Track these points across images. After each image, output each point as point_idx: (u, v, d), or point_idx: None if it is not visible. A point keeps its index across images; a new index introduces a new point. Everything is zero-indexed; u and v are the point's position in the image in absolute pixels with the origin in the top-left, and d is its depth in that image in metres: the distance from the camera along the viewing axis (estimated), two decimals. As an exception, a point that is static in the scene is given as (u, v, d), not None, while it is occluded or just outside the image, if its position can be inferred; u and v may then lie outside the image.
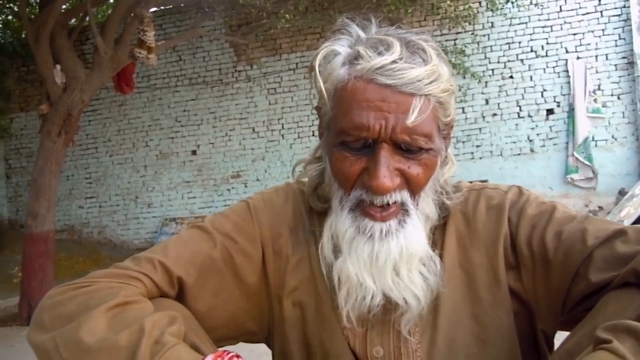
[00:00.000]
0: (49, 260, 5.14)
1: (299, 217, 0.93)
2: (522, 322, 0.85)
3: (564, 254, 0.78)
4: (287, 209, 0.94)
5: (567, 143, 7.76)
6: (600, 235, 0.77)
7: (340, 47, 0.82)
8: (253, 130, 8.95)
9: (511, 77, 8.01)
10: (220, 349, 0.72)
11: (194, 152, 9.19)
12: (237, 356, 0.70)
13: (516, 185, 0.91)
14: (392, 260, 0.79)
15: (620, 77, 7.66)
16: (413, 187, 0.79)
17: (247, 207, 0.94)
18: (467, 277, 0.86)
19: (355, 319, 0.83)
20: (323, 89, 0.81)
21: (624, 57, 7.62)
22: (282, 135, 8.83)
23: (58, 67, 5.13)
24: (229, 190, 9.01)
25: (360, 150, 0.78)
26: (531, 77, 7.94)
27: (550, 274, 0.80)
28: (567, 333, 0.75)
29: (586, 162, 7.62)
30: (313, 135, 8.68)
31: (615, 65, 7.68)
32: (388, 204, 0.78)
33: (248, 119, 8.96)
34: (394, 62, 0.74)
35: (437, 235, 0.88)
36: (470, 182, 0.95)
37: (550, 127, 7.90)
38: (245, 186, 8.93)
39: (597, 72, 7.72)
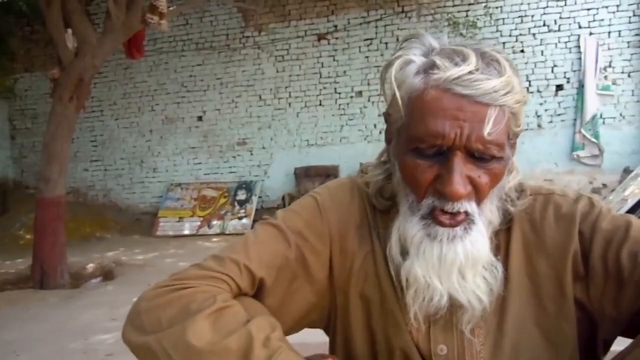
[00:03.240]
0: (60, 224, 5.19)
1: (364, 214, 0.96)
2: (584, 331, 0.87)
3: (639, 277, 0.80)
4: (353, 206, 0.97)
5: (574, 120, 7.76)
6: None
7: (414, 56, 0.83)
8: (260, 97, 8.91)
9: (522, 51, 7.94)
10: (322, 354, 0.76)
11: (199, 118, 9.16)
12: None
13: (585, 195, 0.92)
14: (458, 262, 0.82)
15: (632, 54, 7.60)
16: (480, 195, 0.82)
17: (316, 205, 0.96)
18: (533, 286, 0.88)
19: (422, 318, 0.86)
20: (398, 96, 0.82)
21: (637, 35, 7.55)
22: (289, 104, 8.79)
23: (69, 31, 5.07)
24: (234, 157, 9.02)
25: (432, 158, 0.80)
26: (542, 51, 7.87)
27: (622, 293, 0.82)
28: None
29: (593, 140, 7.63)
30: (320, 104, 8.66)
31: (628, 42, 7.61)
32: (458, 212, 0.81)
33: (255, 86, 8.91)
34: (470, 72, 0.76)
35: (501, 240, 0.90)
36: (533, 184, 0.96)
37: (559, 103, 7.88)
38: (251, 154, 8.94)
39: (609, 48, 7.65)
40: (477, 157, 0.79)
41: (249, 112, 8.96)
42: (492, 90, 0.76)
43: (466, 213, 0.81)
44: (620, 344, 0.82)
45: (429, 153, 0.80)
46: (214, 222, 8.30)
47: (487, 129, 0.76)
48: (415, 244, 0.84)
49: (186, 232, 8.25)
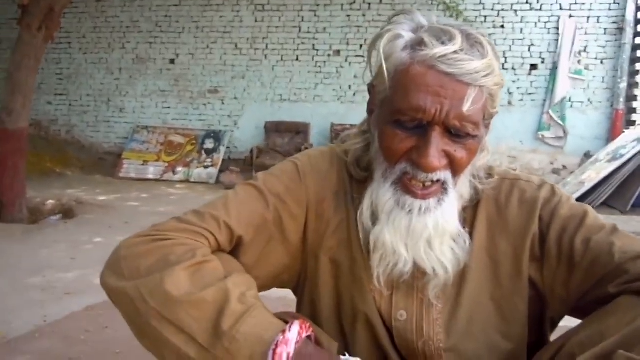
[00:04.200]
0: (21, 158, 5.04)
1: (342, 182, 1.00)
2: (535, 309, 0.94)
3: (589, 262, 0.86)
4: (331, 174, 1.00)
5: (544, 100, 7.91)
6: (627, 251, 0.84)
7: (403, 31, 0.85)
8: (236, 46, 8.72)
9: (502, 26, 7.97)
10: (296, 319, 0.79)
11: (172, 61, 8.93)
12: (310, 326, 0.79)
13: (549, 183, 0.98)
14: (427, 234, 0.86)
15: (607, 41, 7.73)
16: (456, 168, 0.86)
17: (296, 170, 1.00)
18: (492, 263, 0.94)
19: (384, 282, 0.91)
20: (384, 68, 0.85)
21: (614, 22, 7.66)
22: (265, 56, 8.64)
23: (42, -45, 4.80)
24: (205, 105, 8.88)
25: (412, 130, 0.83)
26: (522, 29, 7.92)
27: (572, 276, 0.89)
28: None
29: (559, 122, 7.82)
30: (297, 60, 8.54)
31: (605, 29, 7.72)
32: (431, 182, 0.85)
33: (232, 33, 8.70)
34: (455, 52, 0.80)
35: (468, 215, 0.95)
36: (500, 167, 1.01)
37: (532, 82, 8.00)
38: (222, 103, 8.82)
39: (586, 33, 7.76)
40: (454, 133, 0.82)
41: (224, 60, 8.77)
42: (474, 71, 0.80)
43: (441, 183, 0.86)
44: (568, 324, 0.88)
45: (409, 126, 0.83)
46: (179, 169, 8.22)
47: (466, 107, 0.80)
48: (386, 211, 0.88)
49: (150, 176, 8.16)
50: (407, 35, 0.85)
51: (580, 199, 6.33)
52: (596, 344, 0.75)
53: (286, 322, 0.78)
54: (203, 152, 8.40)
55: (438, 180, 0.85)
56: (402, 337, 0.94)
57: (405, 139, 0.84)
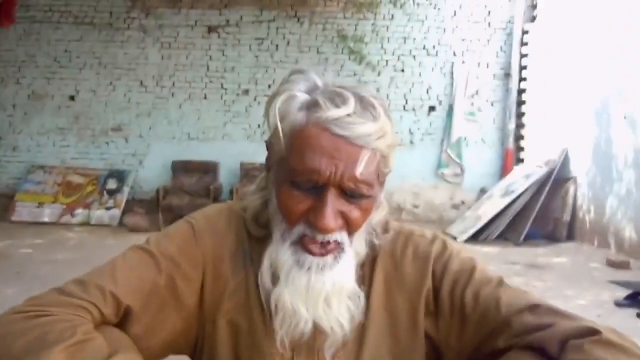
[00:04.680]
0: None
1: (240, 242, 0.99)
2: None
3: (479, 316, 0.91)
4: (229, 233, 0.99)
5: (442, 139, 8.38)
6: (512, 304, 0.89)
7: (299, 92, 0.88)
8: (141, 83, 8.50)
9: (402, 70, 8.41)
10: None
11: (72, 98, 8.52)
12: None
13: (440, 236, 1.03)
14: (325, 292, 0.88)
15: (496, 85, 8.38)
16: (351, 228, 0.89)
17: (191, 229, 0.98)
18: (390, 318, 0.97)
19: (288, 344, 0.91)
20: (280, 129, 0.87)
21: (502, 68, 8.34)
22: (172, 94, 8.49)
23: None
24: (107, 143, 8.51)
25: (308, 191, 0.85)
26: (420, 73, 8.40)
27: (465, 329, 0.93)
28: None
29: (456, 160, 8.30)
30: (205, 98, 8.47)
31: (494, 74, 8.38)
32: (328, 242, 0.87)
33: (137, 70, 8.48)
34: (348, 115, 0.83)
35: (366, 272, 0.98)
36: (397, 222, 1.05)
37: (430, 122, 8.46)
38: (126, 141, 8.51)
39: (477, 77, 8.37)
40: (348, 194, 0.85)
41: (128, 97, 8.51)
42: (366, 134, 0.83)
43: (337, 242, 0.88)
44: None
45: (305, 187, 0.85)
46: (78, 211, 7.76)
47: (359, 170, 0.83)
48: (285, 271, 0.88)
49: (46, 219, 7.62)
50: (302, 97, 0.88)
51: (478, 232, 6.72)
52: None
53: None
54: (105, 193, 8.00)
55: (335, 240, 0.87)
56: None
57: (302, 200, 0.86)
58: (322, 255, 0.88)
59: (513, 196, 6.88)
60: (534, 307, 0.87)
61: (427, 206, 8.33)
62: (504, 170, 8.12)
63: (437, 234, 1.04)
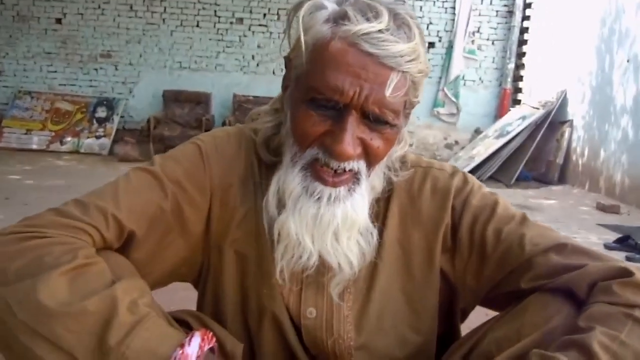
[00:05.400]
0: None
1: (250, 167, 0.92)
2: (445, 300, 0.94)
3: (501, 254, 0.86)
4: (239, 158, 0.92)
5: (440, 78, 8.23)
6: (538, 243, 0.83)
7: (327, 1, 0.79)
8: (131, 7, 8.16)
9: (403, 2, 8.10)
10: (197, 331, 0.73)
11: (58, 21, 8.18)
12: (213, 336, 0.73)
13: (460, 171, 0.96)
14: (334, 225, 0.82)
15: (498, 23, 8.15)
16: (371, 158, 0.81)
17: (199, 152, 0.91)
18: (404, 254, 0.92)
19: (288, 276, 0.86)
20: (303, 41, 0.78)
21: (505, 5, 8.09)
22: (164, 20, 8.18)
23: None
24: (96, 70, 8.27)
25: (327, 112, 0.78)
26: (421, 7, 8.13)
27: (484, 267, 0.88)
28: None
29: (453, 99, 8.19)
30: (197, 26, 8.18)
31: (497, 11, 8.13)
32: (344, 170, 0.80)
33: (126, -7, 8.13)
34: (380, 31, 0.74)
35: (380, 208, 0.92)
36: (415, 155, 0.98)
37: (429, 60, 8.22)
38: (116, 68, 8.26)
39: (480, 14, 8.13)
40: (372, 119, 0.78)
41: (117, 22, 8.19)
42: (399, 54, 0.75)
43: (354, 173, 0.81)
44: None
45: (325, 107, 0.77)
46: (68, 139, 7.64)
47: (388, 93, 0.75)
48: (293, 199, 0.82)
49: (34, 146, 7.51)
50: (331, 7, 0.78)
51: (470, 172, 6.69)
52: (513, 342, 0.75)
53: (186, 333, 0.71)
54: (94, 121, 7.85)
55: (351, 170, 0.80)
56: (312, 335, 0.91)
57: (319, 121, 0.78)
58: (335, 185, 0.80)
59: (508, 137, 6.85)
60: (561, 247, 0.82)
61: (421, 145, 8.27)
62: (500, 111, 8.04)
63: (457, 167, 0.97)
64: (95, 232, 0.77)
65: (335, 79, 0.75)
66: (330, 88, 0.75)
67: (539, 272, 0.81)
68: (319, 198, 0.81)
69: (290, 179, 0.82)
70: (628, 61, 5.72)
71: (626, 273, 0.74)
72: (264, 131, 0.91)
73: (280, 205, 0.84)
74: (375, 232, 0.87)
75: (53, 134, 7.68)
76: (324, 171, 0.80)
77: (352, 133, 0.77)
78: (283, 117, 0.88)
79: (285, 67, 0.87)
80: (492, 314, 0.90)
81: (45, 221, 0.77)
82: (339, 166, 0.79)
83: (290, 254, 0.84)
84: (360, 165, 0.81)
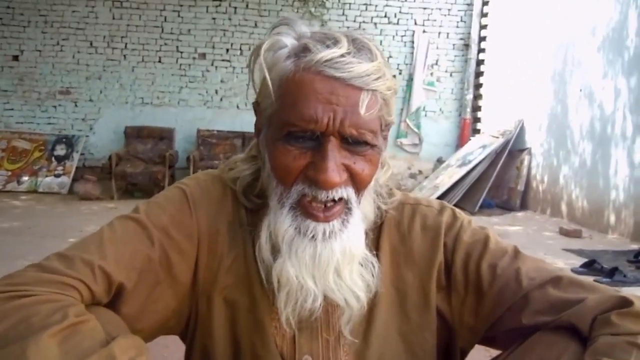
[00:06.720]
0: None
1: (237, 212, 0.89)
2: (443, 340, 0.91)
3: (498, 290, 0.84)
4: (225, 202, 0.90)
5: (402, 109, 8.40)
6: (534, 277, 0.82)
7: (286, 38, 0.79)
8: (91, 44, 8.09)
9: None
10: None
11: (15, 58, 8.02)
12: None
13: (448, 206, 0.94)
14: (334, 261, 0.79)
15: (455, 56, 8.42)
16: (358, 184, 0.79)
17: (184, 197, 0.88)
18: (399, 295, 0.89)
19: (294, 323, 0.82)
20: (269, 79, 0.78)
21: (461, 39, 8.38)
22: (125, 56, 8.12)
23: None
24: (55, 107, 8.10)
25: (305, 144, 0.76)
26: (381, 41, 8.32)
27: (481, 304, 0.86)
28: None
29: (415, 130, 8.36)
30: (159, 61, 8.15)
31: (454, 44, 8.41)
32: (333, 200, 0.78)
33: (86, 30, 8.05)
34: (342, 55, 0.74)
35: (370, 241, 0.88)
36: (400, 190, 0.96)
37: (391, 92, 8.43)
38: (76, 105, 8.11)
39: (437, 47, 8.38)
40: (352, 142, 0.76)
41: (77, 59, 8.08)
42: (364, 74, 0.74)
43: (345, 202, 0.79)
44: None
45: (302, 140, 0.76)
46: (25, 178, 7.40)
47: (362, 111, 0.74)
48: (287, 241, 0.79)
49: (-11, 186, 7.25)
50: (290, 43, 0.79)
51: (436, 202, 6.81)
52: None
53: None
54: (53, 159, 7.64)
55: (341, 199, 0.78)
56: None
57: (299, 155, 0.76)
58: (327, 220, 0.78)
59: (470, 166, 6.99)
60: (557, 280, 0.82)
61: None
62: (461, 141, 8.23)
63: (444, 203, 0.96)
64: (83, 287, 0.73)
65: (308, 108, 0.74)
66: (304, 119, 0.74)
67: (538, 307, 0.80)
68: (313, 236, 0.78)
69: (280, 220, 0.80)
70: (580, 90, 5.97)
71: (625, 303, 0.74)
72: (242, 179, 0.89)
73: (275, 251, 0.81)
74: (375, 261, 0.84)
75: (10, 173, 7.43)
76: (313, 207, 0.78)
77: (335, 159, 0.75)
78: (261, 163, 0.86)
79: (255, 113, 0.86)
80: (493, 352, 0.88)
81: (28, 278, 0.71)
82: (327, 197, 0.77)
83: (294, 300, 0.80)
84: (349, 192, 0.79)
